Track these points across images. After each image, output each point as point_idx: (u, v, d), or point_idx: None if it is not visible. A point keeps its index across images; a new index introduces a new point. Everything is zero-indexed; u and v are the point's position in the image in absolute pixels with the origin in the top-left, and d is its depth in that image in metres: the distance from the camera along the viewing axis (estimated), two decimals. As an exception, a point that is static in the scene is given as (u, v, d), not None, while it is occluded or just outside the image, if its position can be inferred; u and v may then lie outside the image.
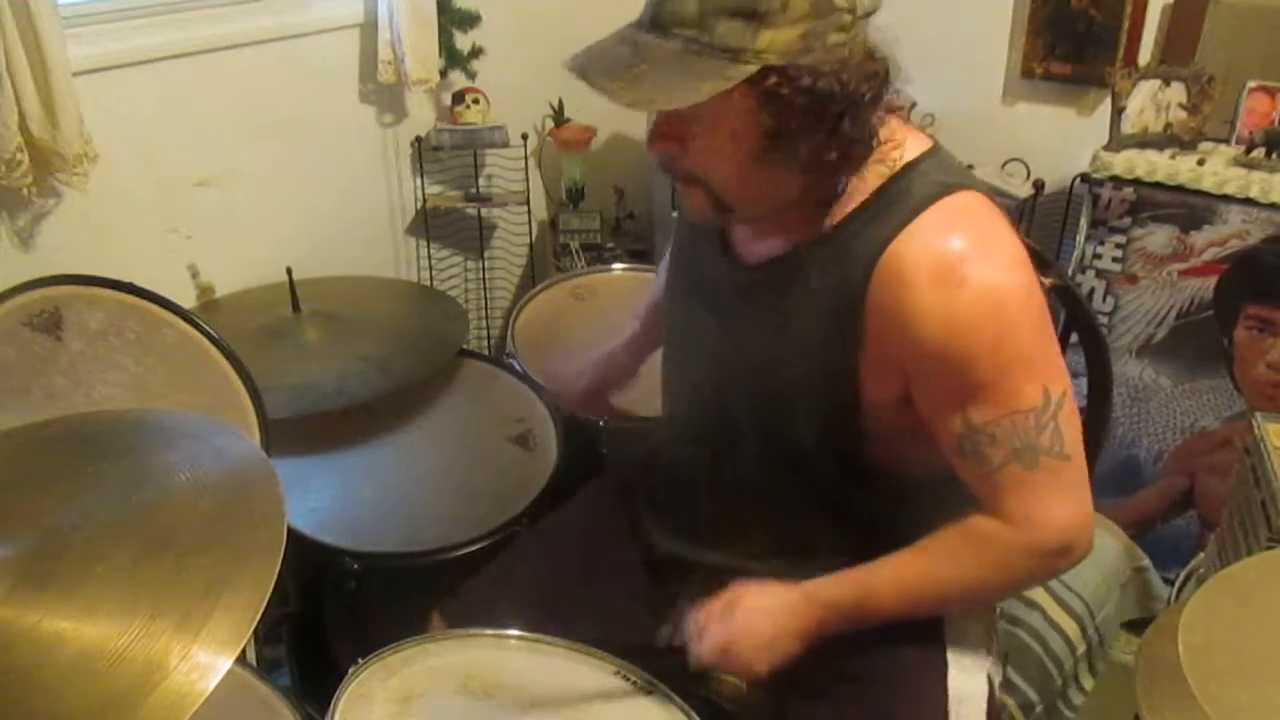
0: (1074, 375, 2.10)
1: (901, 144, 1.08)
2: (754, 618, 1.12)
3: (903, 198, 1.06)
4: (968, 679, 1.21)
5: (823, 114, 1.00)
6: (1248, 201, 1.99)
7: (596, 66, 1.01)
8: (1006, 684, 1.31)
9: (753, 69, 0.97)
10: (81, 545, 0.84)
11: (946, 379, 1.05)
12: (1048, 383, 1.05)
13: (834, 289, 1.08)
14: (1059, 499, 1.08)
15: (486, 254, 2.66)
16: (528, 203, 2.52)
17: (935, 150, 1.11)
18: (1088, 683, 1.86)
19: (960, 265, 1.02)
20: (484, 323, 2.72)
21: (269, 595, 0.80)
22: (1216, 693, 0.81)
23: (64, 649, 0.76)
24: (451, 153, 2.44)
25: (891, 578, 1.12)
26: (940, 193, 1.06)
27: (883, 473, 1.18)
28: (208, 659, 0.75)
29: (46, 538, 0.84)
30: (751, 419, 1.21)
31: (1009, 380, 1.04)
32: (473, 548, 1.61)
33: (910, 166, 1.08)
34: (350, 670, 1.10)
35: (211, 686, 0.74)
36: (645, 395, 1.81)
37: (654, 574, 1.35)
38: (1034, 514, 1.07)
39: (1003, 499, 1.08)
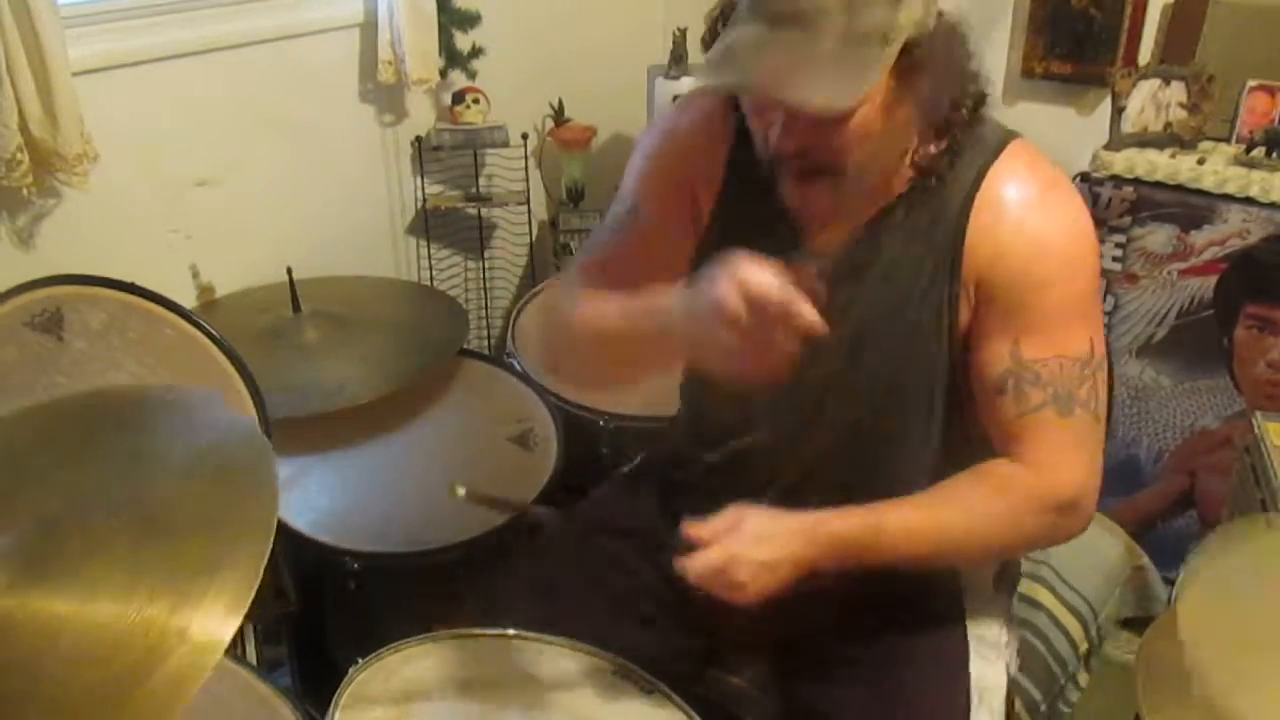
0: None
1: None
2: (756, 540, 1.08)
3: (979, 141, 1.12)
4: (989, 668, 1.21)
5: (951, 69, 1.06)
6: (1248, 201, 1.99)
7: (758, 77, 1.00)
8: (1014, 683, 1.31)
9: (898, 46, 1.00)
10: (79, 531, 0.84)
11: (1016, 303, 1.09)
12: (1094, 337, 1.11)
13: (934, 223, 1.12)
14: (1080, 455, 1.11)
15: (486, 254, 2.66)
16: (528, 203, 2.52)
17: (985, 110, 1.16)
18: (1082, 678, 1.86)
19: (1050, 194, 1.11)
20: (484, 323, 2.72)
21: (263, 570, 0.80)
22: (1217, 691, 0.81)
23: (65, 635, 0.76)
24: (451, 153, 2.43)
25: (902, 519, 1.10)
26: (1010, 136, 1.14)
27: (976, 440, 1.18)
28: (205, 637, 0.76)
29: (44, 525, 0.85)
30: (850, 398, 1.18)
31: (1068, 321, 1.09)
32: (473, 548, 1.60)
33: (978, 118, 1.13)
34: (350, 670, 1.10)
35: (211, 664, 0.75)
36: (644, 395, 1.82)
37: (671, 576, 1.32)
38: (1057, 462, 1.10)
39: (1029, 443, 1.10)
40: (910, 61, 1.02)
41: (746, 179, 1.18)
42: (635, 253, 1.23)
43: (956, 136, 1.11)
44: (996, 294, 1.10)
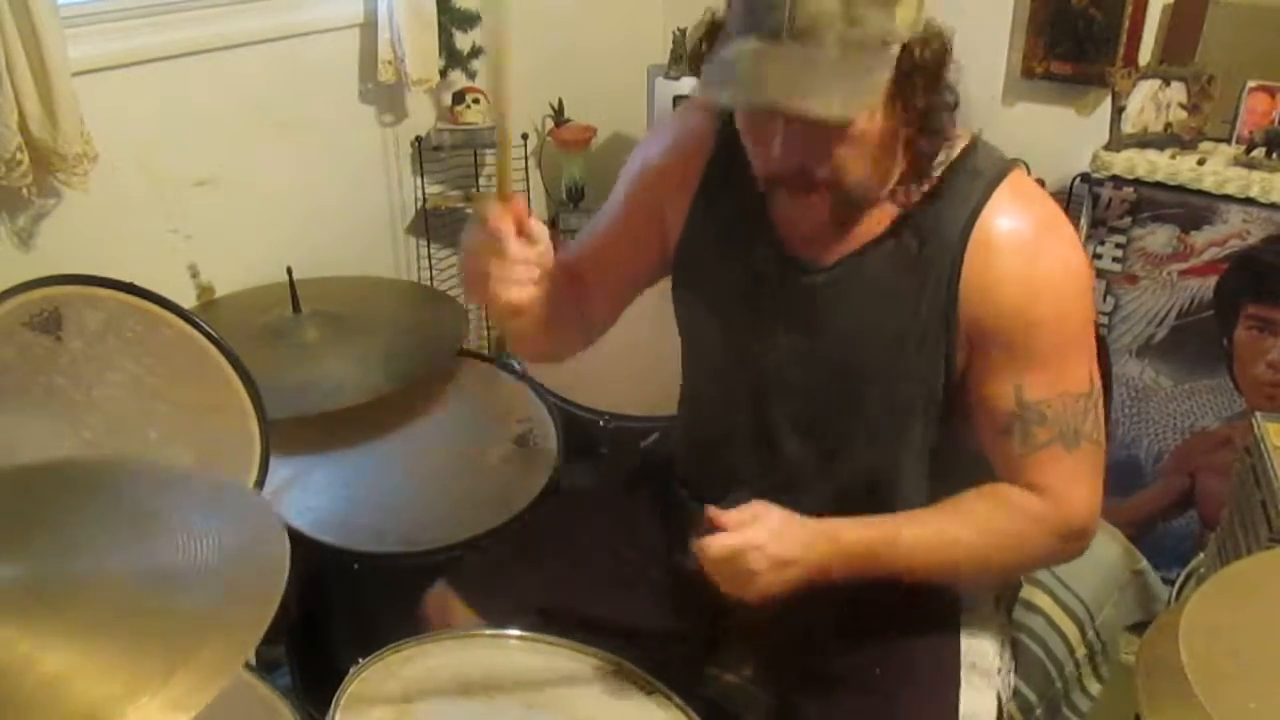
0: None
1: (955, 131, 1.13)
2: (774, 535, 1.08)
3: (974, 174, 1.11)
4: (978, 696, 1.21)
5: (940, 72, 1.04)
6: (1248, 201, 2.00)
7: (762, 92, 0.98)
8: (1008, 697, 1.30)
9: (897, 49, 1.00)
10: (67, 589, 0.83)
11: (1013, 347, 1.10)
12: (1092, 370, 1.12)
13: (932, 258, 1.11)
14: (1087, 483, 1.13)
15: (487, 254, 2.66)
16: (528, 203, 2.51)
17: (979, 138, 1.16)
18: (1094, 687, 1.86)
19: (1042, 235, 1.11)
20: (484, 323, 2.72)
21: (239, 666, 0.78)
22: (1218, 692, 0.80)
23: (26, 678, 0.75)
24: (451, 152, 2.43)
25: (916, 534, 1.12)
26: (1005, 170, 1.12)
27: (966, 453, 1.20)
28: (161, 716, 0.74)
29: (39, 567, 0.84)
30: (853, 412, 1.20)
31: (1067, 358, 1.10)
32: (473, 548, 1.60)
33: (971, 148, 1.13)
34: (350, 670, 1.10)
35: None
36: (644, 395, 1.82)
37: (670, 569, 1.31)
38: (1068, 493, 1.12)
39: (1039, 476, 1.12)
40: (902, 68, 1.01)
41: (727, 196, 1.21)
42: (598, 253, 1.33)
43: (935, 147, 1.09)
44: (994, 336, 1.11)
